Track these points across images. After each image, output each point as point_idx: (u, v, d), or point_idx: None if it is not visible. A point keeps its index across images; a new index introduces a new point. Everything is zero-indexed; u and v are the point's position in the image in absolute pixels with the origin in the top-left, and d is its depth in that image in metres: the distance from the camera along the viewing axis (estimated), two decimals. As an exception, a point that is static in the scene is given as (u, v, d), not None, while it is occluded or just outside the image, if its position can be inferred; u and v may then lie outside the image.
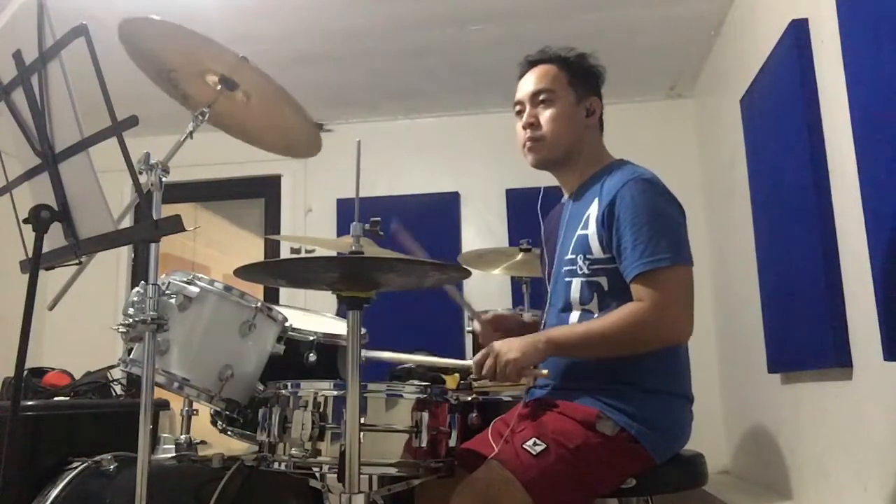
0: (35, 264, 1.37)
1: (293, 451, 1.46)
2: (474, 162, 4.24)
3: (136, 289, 1.56)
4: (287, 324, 1.80)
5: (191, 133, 1.73)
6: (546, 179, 1.84)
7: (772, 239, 2.71)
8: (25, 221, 1.40)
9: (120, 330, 1.55)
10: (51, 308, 1.72)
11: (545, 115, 1.71)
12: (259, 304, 1.73)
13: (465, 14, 3.29)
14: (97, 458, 1.88)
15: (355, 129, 4.30)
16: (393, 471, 1.49)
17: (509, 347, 1.51)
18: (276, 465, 1.49)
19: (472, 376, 2.04)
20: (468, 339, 3.55)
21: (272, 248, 4.39)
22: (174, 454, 1.90)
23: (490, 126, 4.11)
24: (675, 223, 1.60)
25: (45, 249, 1.40)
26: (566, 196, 1.81)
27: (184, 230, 1.27)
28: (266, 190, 4.48)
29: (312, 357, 1.82)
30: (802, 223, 2.33)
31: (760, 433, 3.05)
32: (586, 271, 1.62)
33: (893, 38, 1.69)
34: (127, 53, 1.75)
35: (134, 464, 1.40)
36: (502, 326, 1.82)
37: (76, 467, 1.86)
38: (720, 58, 3.50)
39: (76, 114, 1.34)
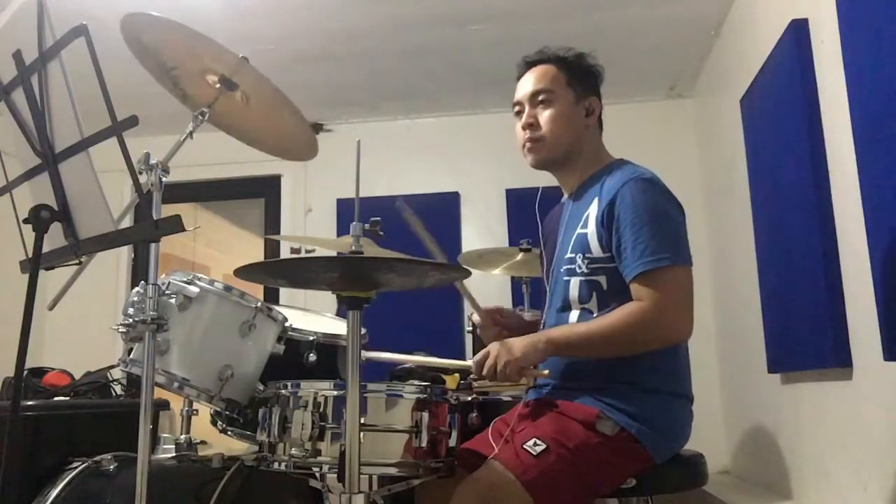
0: (35, 264, 1.37)
1: (293, 451, 1.46)
2: (474, 162, 4.25)
3: (136, 289, 1.56)
4: (287, 324, 1.80)
5: (191, 133, 1.73)
6: (546, 179, 1.84)
7: (772, 239, 2.71)
8: (25, 221, 1.40)
9: (120, 330, 1.55)
10: (51, 308, 1.73)
11: (544, 116, 1.71)
12: (259, 304, 1.73)
13: (465, 14, 3.29)
14: (97, 458, 1.87)
15: (355, 129, 4.30)
16: (393, 471, 1.49)
17: (509, 348, 1.51)
18: (276, 465, 1.49)
19: (472, 376, 2.04)
20: (468, 339, 3.55)
21: (272, 248, 4.39)
22: (174, 454, 1.90)
23: (490, 126, 4.12)
24: (675, 223, 1.60)
25: (45, 249, 1.40)
26: (566, 196, 1.81)
27: (184, 230, 1.27)
28: (266, 190, 4.48)
29: (312, 357, 1.82)
30: (802, 223, 2.33)
31: (760, 433, 3.05)
32: (585, 270, 1.62)
33: (893, 38, 1.69)
34: (129, 49, 1.75)
35: (134, 464, 1.40)
36: (502, 320, 1.83)
37: (76, 467, 1.86)
38: (720, 58, 3.50)
39: (76, 114, 1.34)
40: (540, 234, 1.92)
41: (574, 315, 1.64)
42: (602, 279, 1.61)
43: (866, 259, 1.88)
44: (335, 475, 1.39)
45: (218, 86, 1.77)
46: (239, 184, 4.54)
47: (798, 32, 2.32)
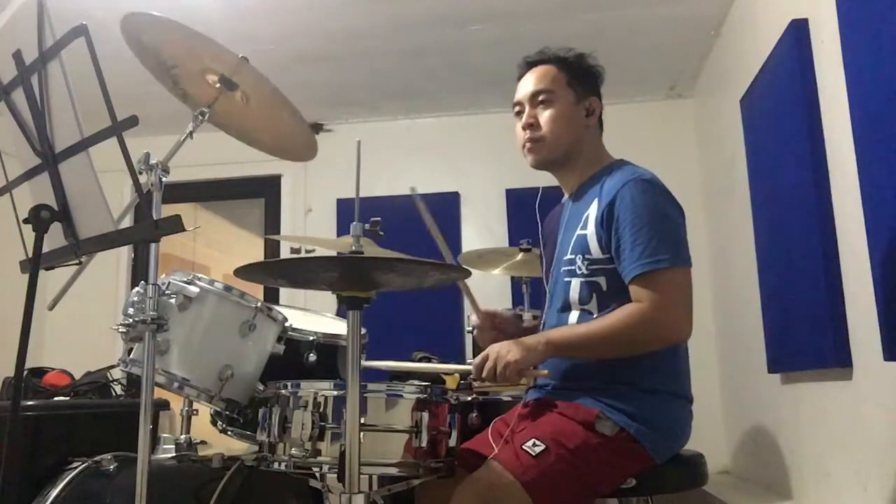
0: (35, 264, 1.37)
1: (293, 451, 1.46)
2: (474, 162, 4.25)
3: (136, 289, 1.56)
4: (287, 324, 1.80)
5: (191, 133, 1.73)
6: (546, 179, 1.84)
7: (772, 239, 2.71)
8: (25, 221, 1.40)
9: (120, 330, 1.55)
10: (51, 308, 1.73)
11: (544, 116, 1.71)
12: (259, 304, 1.73)
13: (465, 14, 3.29)
14: (97, 458, 1.88)
15: (355, 129, 4.30)
16: (393, 471, 1.49)
17: (509, 349, 1.51)
18: (276, 465, 1.49)
19: (471, 377, 2.04)
20: (468, 340, 3.56)
21: (272, 248, 4.39)
22: (174, 454, 1.90)
23: (490, 126, 4.12)
24: (674, 224, 1.60)
25: (45, 249, 1.40)
26: (566, 196, 1.81)
27: (184, 230, 1.27)
28: (266, 190, 4.48)
29: (312, 357, 1.82)
30: (802, 223, 2.33)
31: (760, 433, 3.05)
32: (585, 271, 1.62)
33: (893, 38, 1.69)
34: (129, 48, 1.75)
35: (134, 464, 1.40)
36: (500, 324, 1.83)
37: (76, 467, 1.86)
38: (720, 58, 3.50)
39: (76, 114, 1.34)
40: (540, 235, 1.92)
41: (574, 316, 1.64)
42: (602, 280, 1.61)
43: (866, 259, 1.88)
44: (335, 475, 1.39)
45: (218, 86, 1.77)
46: (239, 184, 4.54)
47: (798, 32, 2.32)
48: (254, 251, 4.81)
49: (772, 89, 2.61)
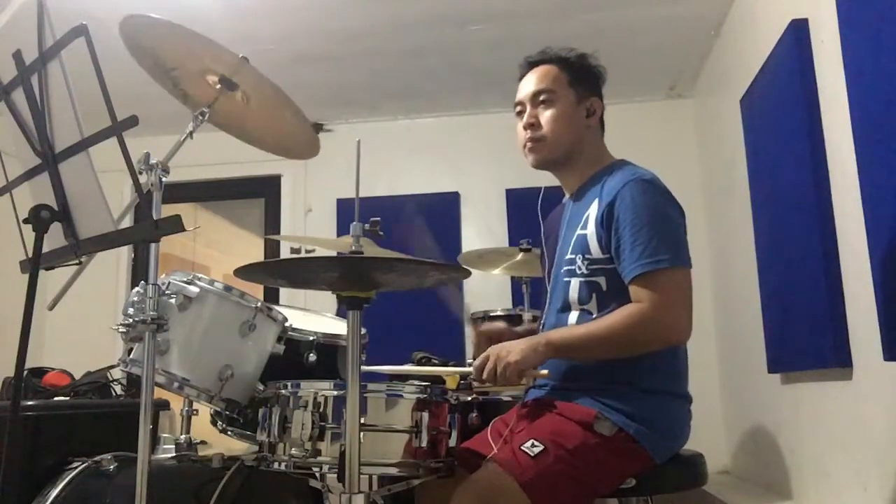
0: (35, 264, 1.37)
1: (293, 451, 1.46)
2: (474, 162, 4.24)
3: (136, 289, 1.56)
4: (287, 324, 1.80)
5: (191, 133, 1.73)
6: (546, 180, 1.84)
7: (772, 239, 2.71)
8: (25, 221, 1.40)
9: (120, 330, 1.55)
10: (51, 308, 1.72)
11: (546, 116, 1.71)
12: (259, 304, 1.73)
13: (465, 14, 3.29)
14: (97, 458, 1.87)
15: (355, 129, 4.30)
16: (393, 471, 1.49)
17: (509, 350, 1.51)
18: (276, 465, 1.49)
19: (471, 377, 2.04)
20: (468, 340, 3.56)
21: (272, 248, 4.39)
22: (174, 454, 1.90)
23: (490, 126, 4.12)
24: (674, 224, 1.60)
25: (45, 249, 1.40)
26: (567, 196, 1.81)
27: (184, 230, 1.27)
28: (266, 190, 4.48)
29: (312, 357, 1.82)
30: (802, 223, 2.33)
31: (760, 433, 3.05)
32: (585, 271, 1.62)
33: (893, 38, 1.69)
34: (128, 50, 1.75)
35: (134, 464, 1.40)
36: (496, 339, 1.82)
37: (76, 467, 1.86)
38: (720, 58, 3.50)
39: (76, 114, 1.35)
40: (542, 234, 1.92)
41: (573, 316, 1.64)
42: (601, 280, 1.61)
43: (866, 259, 1.88)
44: (335, 475, 1.39)
45: (218, 86, 1.77)
46: (239, 184, 4.54)
47: (798, 32, 2.32)
48: (254, 251, 4.81)
49: (772, 89, 2.61)
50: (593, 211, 1.64)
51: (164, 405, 2.48)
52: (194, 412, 1.99)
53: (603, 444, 1.49)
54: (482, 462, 1.50)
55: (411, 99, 4.17)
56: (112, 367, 2.30)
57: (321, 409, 1.47)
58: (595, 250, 1.61)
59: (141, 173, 1.45)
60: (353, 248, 1.47)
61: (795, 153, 2.36)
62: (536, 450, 1.46)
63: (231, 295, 1.71)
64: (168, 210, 1.39)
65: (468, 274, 1.48)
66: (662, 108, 4.13)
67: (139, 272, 4.32)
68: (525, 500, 1.41)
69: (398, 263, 1.42)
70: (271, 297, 3.77)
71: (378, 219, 1.71)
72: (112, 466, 1.85)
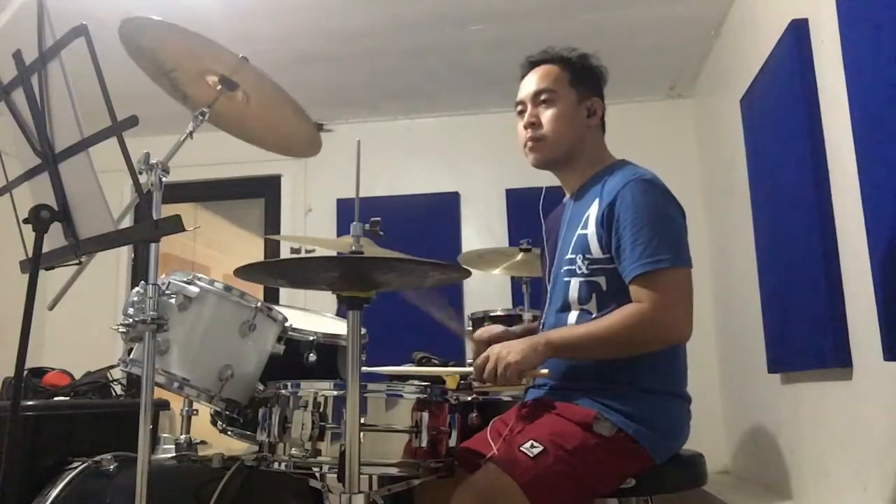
0: (35, 264, 1.37)
1: (293, 451, 1.46)
2: (474, 162, 4.25)
3: (136, 289, 1.56)
4: (287, 324, 1.80)
5: (191, 133, 1.73)
6: (547, 180, 1.84)
7: (772, 239, 2.71)
8: (25, 221, 1.40)
9: (120, 330, 1.55)
10: (51, 308, 1.72)
11: (546, 115, 1.71)
12: (259, 304, 1.73)
13: (465, 14, 3.29)
14: (97, 458, 1.87)
15: (355, 129, 4.30)
16: (393, 471, 1.49)
17: (509, 350, 1.51)
18: (276, 465, 1.49)
19: (471, 377, 2.04)
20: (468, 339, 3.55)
21: (272, 248, 4.39)
22: (174, 454, 1.90)
23: (490, 126, 4.12)
24: (675, 225, 1.60)
25: (45, 249, 1.40)
26: (568, 196, 1.81)
27: (184, 230, 1.27)
28: (266, 190, 4.48)
29: (312, 357, 1.82)
30: (802, 223, 2.33)
31: (760, 433, 3.05)
32: (585, 271, 1.62)
33: (893, 38, 1.69)
34: (127, 53, 1.75)
35: (134, 464, 1.40)
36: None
37: (76, 467, 1.86)
38: (720, 58, 3.50)
39: (76, 114, 1.34)
40: (543, 234, 1.92)
41: (573, 316, 1.64)
42: (601, 280, 1.61)
43: (866, 259, 1.88)
44: (335, 475, 1.39)
45: (219, 87, 1.77)
46: (239, 184, 4.54)
47: (798, 32, 2.32)
48: (254, 251, 4.82)
49: (772, 89, 2.61)
50: (594, 211, 1.64)
51: (164, 405, 2.48)
52: (194, 412, 1.99)
53: (602, 445, 1.49)
54: (481, 462, 1.50)
55: (411, 99, 4.17)
56: (112, 367, 2.30)
57: (321, 409, 1.47)
58: (595, 250, 1.61)
59: (141, 173, 1.45)
60: (353, 248, 1.47)
61: (795, 153, 2.36)
62: (536, 450, 1.45)
63: (231, 295, 1.71)
64: (168, 210, 1.39)
65: (468, 274, 1.48)
66: (662, 108, 4.13)
67: (139, 272, 4.32)
68: (524, 501, 1.41)
69: (398, 263, 1.42)
70: (271, 297, 3.77)
71: (378, 219, 1.71)
72: (112, 466, 1.85)
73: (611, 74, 1.81)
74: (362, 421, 1.41)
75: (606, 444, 1.50)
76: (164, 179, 1.52)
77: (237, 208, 5.14)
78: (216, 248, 5.53)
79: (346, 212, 4.09)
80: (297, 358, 1.81)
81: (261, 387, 1.71)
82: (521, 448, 1.47)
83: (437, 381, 2.13)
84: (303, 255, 2.33)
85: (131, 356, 1.68)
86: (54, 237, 1.44)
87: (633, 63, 3.63)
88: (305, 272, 1.54)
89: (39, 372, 2.51)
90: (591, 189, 1.70)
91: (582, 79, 1.75)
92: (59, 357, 2.85)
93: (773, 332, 2.73)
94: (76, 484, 1.83)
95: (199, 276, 1.71)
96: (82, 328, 3.84)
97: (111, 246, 1.38)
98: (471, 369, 1.59)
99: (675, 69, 3.85)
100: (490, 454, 1.49)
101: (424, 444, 1.48)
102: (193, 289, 1.66)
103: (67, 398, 2.32)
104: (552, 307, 1.71)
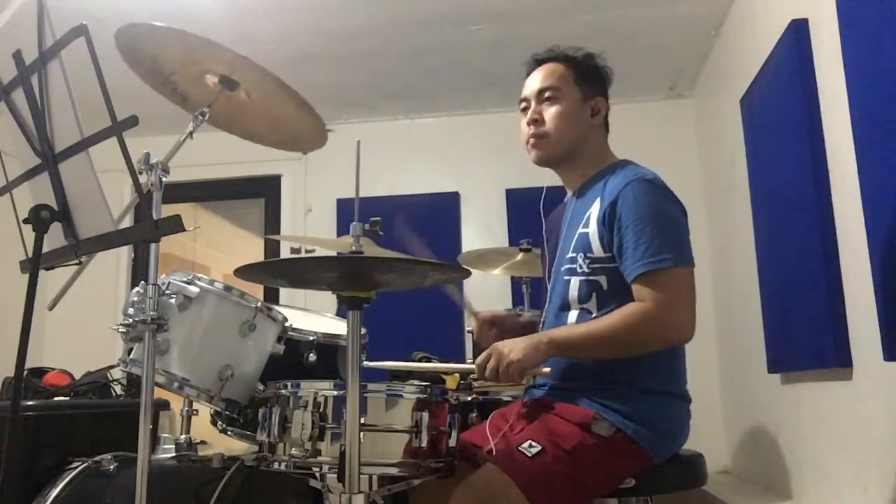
0: (35, 264, 1.37)
1: (293, 451, 1.46)
2: (474, 162, 4.25)
3: (136, 289, 1.56)
4: (287, 324, 1.80)
5: (191, 133, 1.73)
6: (547, 180, 1.84)
7: (772, 239, 2.71)
8: (25, 221, 1.40)
9: (120, 330, 1.55)
10: (51, 308, 1.72)
11: (549, 112, 1.71)
12: (259, 304, 1.73)
13: (465, 14, 3.29)
14: (97, 458, 1.87)
15: (355, 129, 4.30)
16: (393, 471, 1.49)
17: (511, 348, 1.51)
18: (276, 465, 1.49)
19: (472, 376, 2.04)
20: (468, 339, 3.55)
21: (272, 248, 4.39)
22: (174, 454, 1.90)
23: (490, 126, 4.12)
24: (677, 224, 1.60)
25: (45, 249, 1.40)
26: (569, 195, 1.81)
27: (184, 230, 1.27)
28: (266, 190, 4.48)
29: (312, 357, 1.82)
30: (802, 223, 2.33)
31: (760, 433, 3.05)
32: (586, 270, 1.62)
33: (893, 38, 1.69)
34: (125, 59, 1.75)
35: (134, 464, 1.40)
36: (498, 325, 1.83)
37: (76, 467, 1.86)
38: (720, 58, 3.50)
39: (76, 114, 1.34)
40: (543, 234, 1.92)
41: (573, 315, 1.64)
42: (602, 279, 1.61)
43: (866, 259, 1.88)
44: (335, 475, 1.39)
45: (219, 88, 1.77)
46: (239, 184, 4.54)
47: (798, 32, 2.32)
48: (254, 251, 4.82)
49: (772, 89, 2.61)
50: (595, 209, 1.64)
51: (164, 405, 2.48)
52: (194, 412, 1.99)
53: (601, 445, 1.49)
54: (478, 454, 1.50)
55: (411, 99, 4.17)
56: (112, 367, 2.30)
57: (321, 409, 1.47)
58: (597, 249, 1.61)
59: (141, 173, 1.45)
60: (353, 248, 1.47)
61: (795, 153, 2.36)
62: (534, 450, 1.46)
63: (231, 295, 1.71)
64: (168, 210, 1.39)
65: (468, 274, 1.48)
66: (662, 108, 4.13)
67: (139, 272, 4.32)
68: (523, 501, 1.41)
69: (398, 263, 1.42)
70: (271, 297, 3.77)
71: (378, 219, 1.71)
72: (112, 466, 1.85)
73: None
74: (362, 421, 1.41)
75: (605, 444, 1.50)
76: (164, 179, 1.52)
77: (237, 208, 5.14)
78: (216, 248, 5.53)
79: (346, 212, 4.09)
80: (297, 358, 1.81)
81: (261, 387, 1.71)
82: (520, 448, 1.47)
83: (437, 380, 2.13)
84: (303, 255, 2.33)
85: (131, 356, 1.68)
86: (54, 237, 1.44)
87: (633, 63, 3.62)
88: (305, 272, 1.54)
89: (39, 372, 2.51)
90: (593, 188, 1.70)
91: (587, 78, 1.75)
92: (59, 357, 2.85)
93: (773, 332, 2.73)
94: (76, 484, 1.83)
95: (199, 276, 1.71)
96: (82, 328, 3.84)
97: (111, 246, 1.38)
98: (472, 367, 1.59)
99: (675, 69, 3.85)
100: (487, 449, 1.50)
101: (424, 444, 1.47)
102: (193, 289, 1.66)
103: (67, 398, 2.33)
104: (552, 306, 1.71)
